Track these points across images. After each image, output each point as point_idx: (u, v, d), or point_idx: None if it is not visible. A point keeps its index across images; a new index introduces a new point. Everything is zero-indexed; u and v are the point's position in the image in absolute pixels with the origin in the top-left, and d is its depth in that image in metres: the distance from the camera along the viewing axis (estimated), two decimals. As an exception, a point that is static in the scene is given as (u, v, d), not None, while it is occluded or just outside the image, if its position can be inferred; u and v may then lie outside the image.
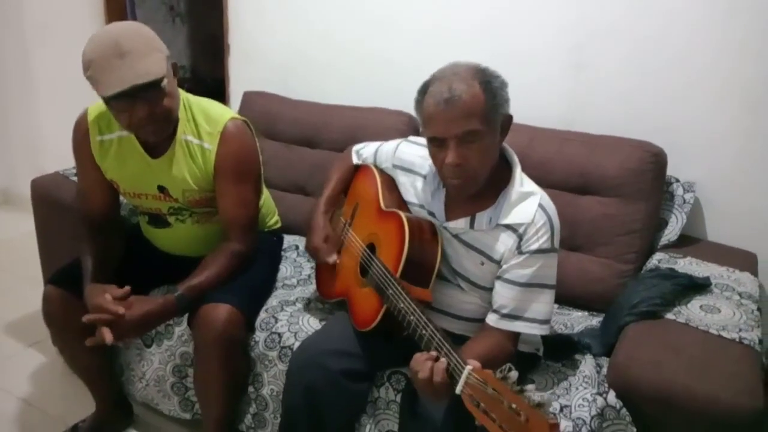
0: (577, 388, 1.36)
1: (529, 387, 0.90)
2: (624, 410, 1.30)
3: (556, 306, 1.70)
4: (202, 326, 1.50)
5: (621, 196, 1.74)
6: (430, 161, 1.33)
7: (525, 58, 2.01)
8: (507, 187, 1.32)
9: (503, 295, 1.31)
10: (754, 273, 1.71)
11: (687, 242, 1.83)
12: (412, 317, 1.20)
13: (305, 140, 2.24)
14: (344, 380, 1.37)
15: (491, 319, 1.32)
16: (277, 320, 1.61)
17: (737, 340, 1.36)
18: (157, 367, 1.73)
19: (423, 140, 1.36)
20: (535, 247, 1.28)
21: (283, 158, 2.24)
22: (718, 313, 1.46)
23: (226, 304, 1.50)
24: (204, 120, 1.57)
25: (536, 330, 1.31)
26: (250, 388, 1.62)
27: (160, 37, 1.45)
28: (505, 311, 1.30)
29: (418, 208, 1.46)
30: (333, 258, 1.52)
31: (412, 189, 1.49)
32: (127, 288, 1.45)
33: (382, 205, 1.49)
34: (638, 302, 1.47)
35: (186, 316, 1.60)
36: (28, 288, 2.50)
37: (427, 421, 1.23)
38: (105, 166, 1.60)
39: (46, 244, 2.11)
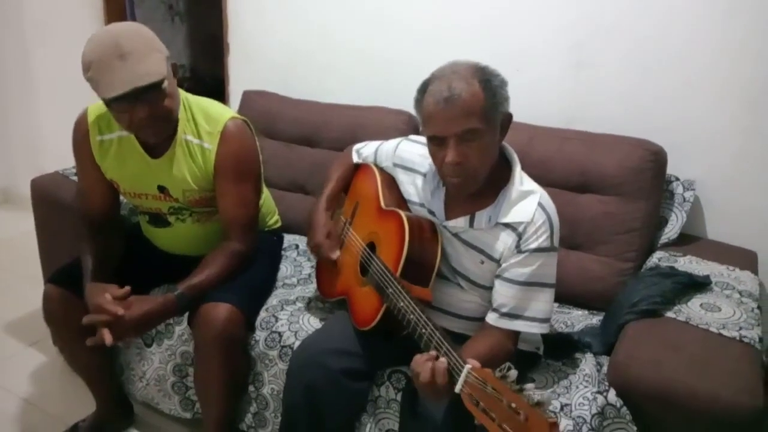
0: (577, 387, 1.36)
1: (529, 386, 0.90)
2: (624, 409, 1.31)
3: (556, 305, 1.71)
4: (202, 325, 1.50)
5: (621, 194, 1.74)
6: (430, 160, 1.33)
7: (525, 56, 2.00)
8: (507, 185, 1.32)
9: (503, 293, 1.31)
10: (755, 271, 1.71)
11: (687, 241, 1.83)
12: (412, 316, 1.20)
13: (305, 139, 2.23)
14: (344, 379, 1.37)
15: (491, 318, 1.32)
16: (277, 319, 1.61)
17: (737, 338, 1.36)
18: (158, 366, 1.73)
19: (423, 139, 1.36)
20: (534, 245, 1.28)
21: (283, 157, 2.24)
22: (719, 312, 1.46)
23: (227, 303, 1.50)
24: (204, 120, 1.57)
25: (536, 329, 1.31)
26: (251, 388, 1.63)
27: (159, 37, 1.45)
28: (504, 310, 1.30)
29: (419, 206, 1.46)
30: (336, 254, 1.52)
31: (413, 187, 1.49)
32: (127, 288, 1.45)
33: (382, 204, 1.49)
34: (638, 301, 1.47)
35: (186, 315, 1.60)
36: (28, 287, 2.51)
37: (427, 420, 1.23)
38: (105, 166, 1.60)
39: (46, 243, 2.11)
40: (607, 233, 1.76)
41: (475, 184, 1.29)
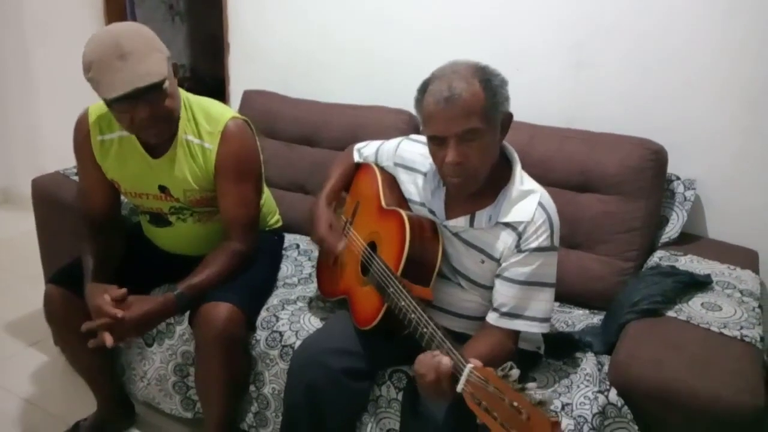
0: (578, 386, 1.36)
1: (531, 385, 0.90)
2: (625, 408, 1.31)
3: (556, 304, 1.71)
4: (203, 325, 1.50)
5: (621, 193, 1.74)
6: (430, 159, 1.33)
7: (525, 56, 2.00)
8: (507, 185, 1.32)
9: (503, 293, 1.31)
10: (756, 270, 1.71)
11: (688, 240, 1.84)
12: (413, 315, 1.20)
13: (305, 139, 2.23)
14: (345, 379, 1.37)
15: (491, 318, 1.32)
16: (278, 319, 1.61)
17: (738, 337, 1.36)
18: (159, 366, 1.73)
19: (424, 138, 1.36)
20: (534, 245, 1.28)
21: (283, 157, 2.24)
22: (720, 311, 1.46)
23: (227, 303, 1.50)
24: (204, 119, 1.57)
25: (536, 328, 1.31)
26: (252, 387, 1.63)
27: (159, 37, 1.45)
28: (505, 309, 1.30)
29: (419, 206, 1.46)
30: (341, 244, 1.52)
31: (413, 187, 1.49)
32: (124, 290, 1.45)
33: (383, 203, 1.49)
34: (639, 300, 1.47)
35: (187, 315, 1.60)
36: (28, 287, 2.51)
37: (428, 420, 1.23)
38: (106, 165, 1.60)
39: (47, 243, 2.11)
40: (607, 232, 1.76)
41: (476, 183, 1.29)
